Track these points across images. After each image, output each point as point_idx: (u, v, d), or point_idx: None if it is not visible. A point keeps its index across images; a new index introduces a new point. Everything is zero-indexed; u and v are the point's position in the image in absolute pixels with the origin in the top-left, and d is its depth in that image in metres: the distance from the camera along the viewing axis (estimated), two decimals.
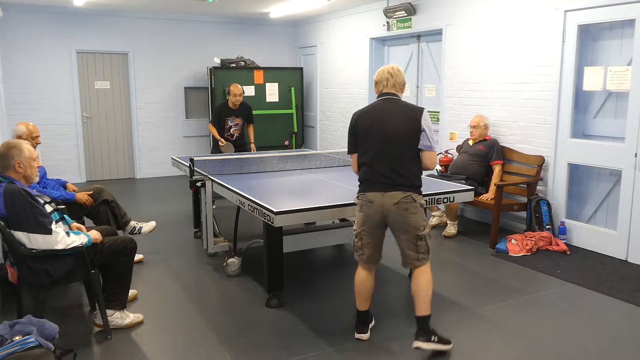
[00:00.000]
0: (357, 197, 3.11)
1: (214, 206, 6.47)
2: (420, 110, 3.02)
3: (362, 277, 3.20)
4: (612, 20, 4.66)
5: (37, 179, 3.25)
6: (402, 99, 3.13)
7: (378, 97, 3.13)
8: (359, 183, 3.13)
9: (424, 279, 3.05)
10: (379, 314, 3.62)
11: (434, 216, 5.84)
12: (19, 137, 4.13)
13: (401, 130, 2.96)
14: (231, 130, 6.55)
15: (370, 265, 3.18)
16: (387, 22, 7.32)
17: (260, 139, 8.47)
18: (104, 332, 3.27)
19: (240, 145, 6.63)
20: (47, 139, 7.97)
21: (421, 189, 3.06)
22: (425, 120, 2.97)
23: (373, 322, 3.37)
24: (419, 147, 2.96)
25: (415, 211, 2.98)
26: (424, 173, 3.19)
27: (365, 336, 3.24)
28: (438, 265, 4.58)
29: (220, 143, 6.47)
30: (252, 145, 6.75)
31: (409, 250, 3.05)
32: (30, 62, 7.96)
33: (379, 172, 2.98)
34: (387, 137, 2.96)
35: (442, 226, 5.69)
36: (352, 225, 4.31)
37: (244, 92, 6.66)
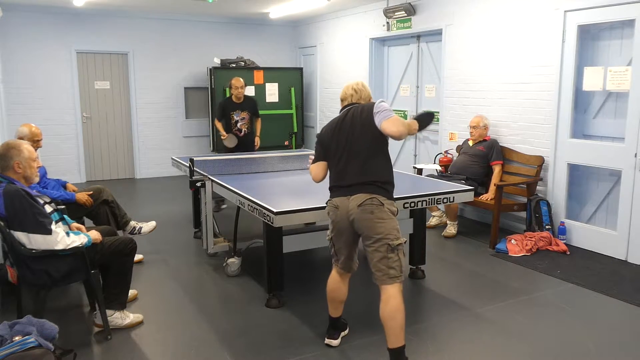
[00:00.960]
0: (326, 203, 3.02)
1: (224, 205, 6.46)
2: (375, 102, 2.92)
3: (336, 282, 3.09)
4: (612, 20, 4.66)
5: (37, 179, 3.25)
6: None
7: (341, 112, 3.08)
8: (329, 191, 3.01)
9: (392, 305, 2.74)
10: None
11: (433, 216, 5.85)
12: (21, 138, 4.12)
13: (360, 128, 2.87)
14: (238, 125, 6.47)
15: (344, 271, 3.07)
16: (387, 22, 7.32)
17: (260, 139, 8.47)
18: (104, 332, 3.27)
19: (249, 142, 6.53)
20: (47, 139, 7.85)
21: (391, 192, 2.90)
22: (378, 106, 2.86)
23: (347, 331, 3.28)
24: (377, 126, 2.80)
25: (384, 216, 2.78)
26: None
27: (335, 342, 3.15)
28: (438, 266, 4.58)
29: (222, 136, 6.42)
30: (257, 139, 6.64)
31: (379, 262, 2.77)
32: (30, 62, 7.96)
33: (345, 175, 2.88)
34: (349, 139, 2.89)
35: (442, 226, 5.69)
36: None
37: (245, 85, 6.60)
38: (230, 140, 6.43)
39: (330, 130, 3.00)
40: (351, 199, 2.83)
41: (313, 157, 3.11)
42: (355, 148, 2.88)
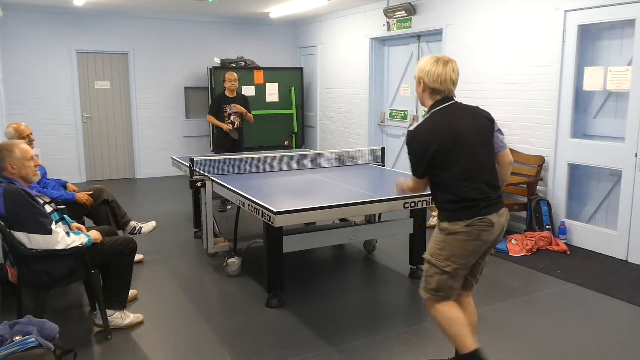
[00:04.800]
0: (469, 223, 2.45)
1: (229, 206, 6.46)
2: (489, 113, 2.68)
3: (457, 308, 2.58)
4: (612, 20, 4.66)
5: (36, 178, 3.23)
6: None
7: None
8: (457, 205, 2.49)
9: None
10: (380, 313, 3.63)
11: (434, 216, 5.84)
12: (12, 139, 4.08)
13: (482, 136, 2.58)
14: (231, 118, 6.55)
15: (459, 295, 2.64)
16: (387, 22, 7.32)
17: (260, 139, 8.48)
18: (104, 332, 3.27)
19: (237, 142, 6.60)
20: (47, 139, 7.98)
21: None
22: (497, 123, 2.69)
23: None
24: (498, 147, 2.65)
25: None
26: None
27: None
28: None
29: (226, 128, 6.45)
30: (249, 115, 6.65)
31: (479, 272, 2.72)
32: (30, 62, 7.96)
33: (487, 187, 2.51)
34: (476, 145, 2.54)
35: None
36: (352, 225, 4.34)
37: (239, 79, 6.69)
38: (234, 132, 6.52)
39: (443, 137, 2.46)
40: (500, 214, 2.53)
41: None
42: (484, 157, 2.54)
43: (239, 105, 6.55)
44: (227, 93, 6.56)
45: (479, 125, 2.55)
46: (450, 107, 2.54)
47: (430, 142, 2.46)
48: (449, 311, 2.55)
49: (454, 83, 2.53)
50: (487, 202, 2.48)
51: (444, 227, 2.52)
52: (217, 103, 6.61)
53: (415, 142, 2.52)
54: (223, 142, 6.59)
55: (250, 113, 6.71)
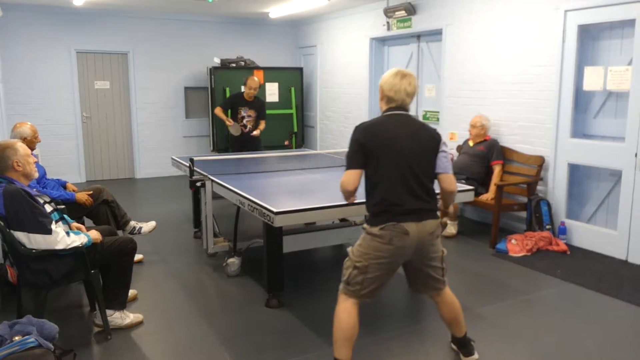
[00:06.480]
0: (381, 228, 2.60)
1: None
2: (438, 131, 2.78)
3: (353, 314, 2.70)
4: (612, 20, 4.66)
5: (36, 175, 3.26)
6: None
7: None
8: (376, 209, 2.66)
9: (456, 299, 2.94)
10: (380, 313, 3.63)
11: (450, 224, 5.80)
12: (24, 139, 4.11)
13: (421, 150, 2.68)
14: (244, 121, 6.60)
15: (369, 300, 2.74)
16: (387, 22, 7.32)
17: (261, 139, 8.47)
18: (104, 332, 3.27)
19: (253, 142, 6.60)
20: (47, 139, 7.96)
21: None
22: (444, 143, 2.77)
23: None
24: (438, 169, 2.72)
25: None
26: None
27: None
28: None
29: (228, 123, 6.51)
30: (258, 131, 6.62)
31: (436, 275, 2.80)
32: (30, 62, 7.96)
33: (409, 196, 2.63)
34: (409, 155, 2.64)
35: (442, 226, 5.67)
36: (352, 225, 4.34)
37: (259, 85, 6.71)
38: (235, 128, 6.54)
39: (379, 138, 2.63)
40: (423, 224, 2.63)
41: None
42: (416, 169, 2.63)
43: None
44: (245, 96, 6.56)
45: (420, 139, 2.67)
46: (399, 116, 2.71)
47: (365, 136, 2.64)
48: (344, 314, 2.71)
49: (408, 95, 2.71)
50: (402, 209, 2.61)
51: (365, 227, 2.71)
52: (233, 102, 6.63)
53: (354, 132, 2.69)
54: (228, 140, 6.63)
55: (265, 119, 6.70)
